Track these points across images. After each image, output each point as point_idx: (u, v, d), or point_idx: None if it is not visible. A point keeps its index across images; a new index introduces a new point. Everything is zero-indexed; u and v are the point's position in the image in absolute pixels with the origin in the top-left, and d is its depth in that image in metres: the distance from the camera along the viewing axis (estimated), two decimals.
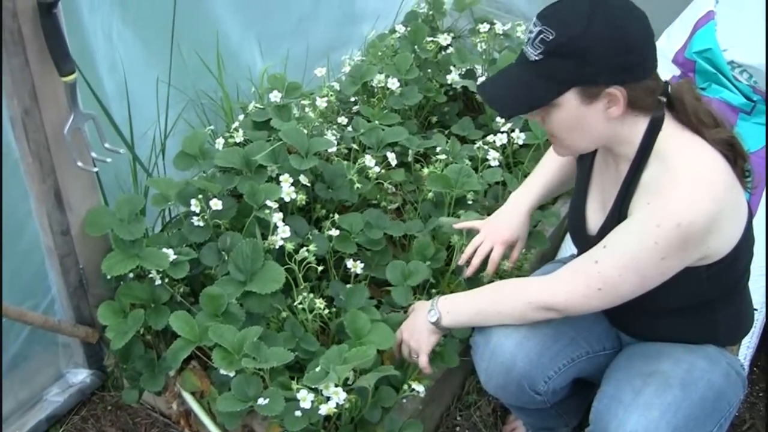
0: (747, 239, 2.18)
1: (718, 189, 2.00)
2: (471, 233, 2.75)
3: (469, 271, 2.69)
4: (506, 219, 2.70)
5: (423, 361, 2.45)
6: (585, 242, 2.34)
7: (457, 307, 2.38)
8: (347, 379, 2.36)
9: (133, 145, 2.90)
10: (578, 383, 2.52)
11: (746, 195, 2.16)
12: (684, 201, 1.98)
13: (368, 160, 2.99)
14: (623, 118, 2.08)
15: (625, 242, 2.08)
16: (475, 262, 2.66)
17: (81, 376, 2.90)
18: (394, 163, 3.07)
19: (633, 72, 2.02)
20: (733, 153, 2.10)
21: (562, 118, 2.10)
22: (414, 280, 2.72)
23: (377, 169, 3.00)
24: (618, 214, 2.17)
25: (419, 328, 2.44)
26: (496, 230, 2.69)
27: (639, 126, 2.11)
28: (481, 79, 3.60)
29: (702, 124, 2.09)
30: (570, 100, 2.05)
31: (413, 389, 2.53)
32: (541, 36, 2.02)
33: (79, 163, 2.38)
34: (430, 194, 3.06)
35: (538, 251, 3.10)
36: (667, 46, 3.29)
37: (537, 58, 2.04)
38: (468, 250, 2.69)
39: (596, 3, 2.00)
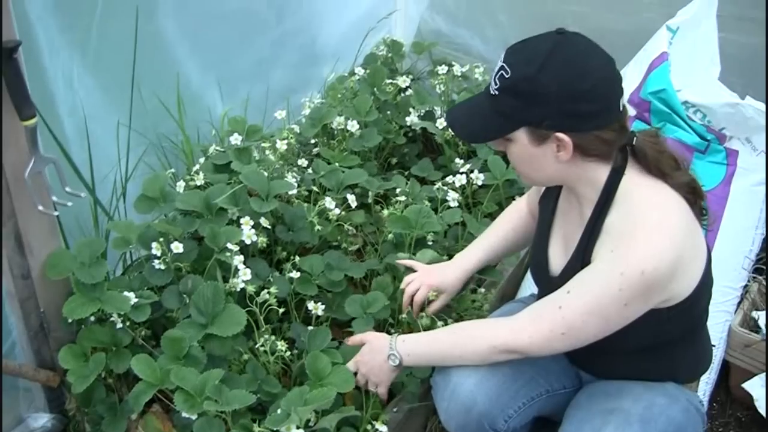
0: (707, 279, 2.21)
1: (680, 235, 2.03)
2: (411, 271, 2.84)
3: (404, 306, 2.77)
4: (443, 270, 2.77)
5: (382, 392, 2.49)
6: (547, 283, 2.36)
7: (417, 350, 2.39)
8: (309, 420, 2.35)
9: (93, 188, 2.90)
10: (539, 422, 2.53)
11: (704, 231, 2.19)
12: (647, 249, 2.00)
13: (328, 202, 3.00)
14: (576, 162, 2.11)
15: (589, 289, 2.10)
16: (405, 300, 2.74)
17: (42, 420, 2.87)
18: (354, 205, 3.10)
19: (584, 121, 2.04)
20: (694, 195, 2.14)
21: (516, 153, 2.16)
22: (373, 308, 2.74)
23: (337, 211, 3.01)
24: (581, 257, 2.19)
25: (378, 368, 2.45)
26: (428, 275, 2.76)
27: (599, 171, 2.14)
28: (440, 121, 3.63)
29: (661, 174, 2.13)
30: (521, 137, 2.10)
31: (376, 429, 2.53)
32: (501, 72, 2.06)
33: (40, 207, 2.38)
34: (390, 236, 3.07)
35: (498, 290, 3.11)
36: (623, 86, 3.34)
37: (495, 92, 2.09)
38: (402, 287, 2.78)
39: (558, 47, 2.02)
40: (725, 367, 3.20)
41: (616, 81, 2.07)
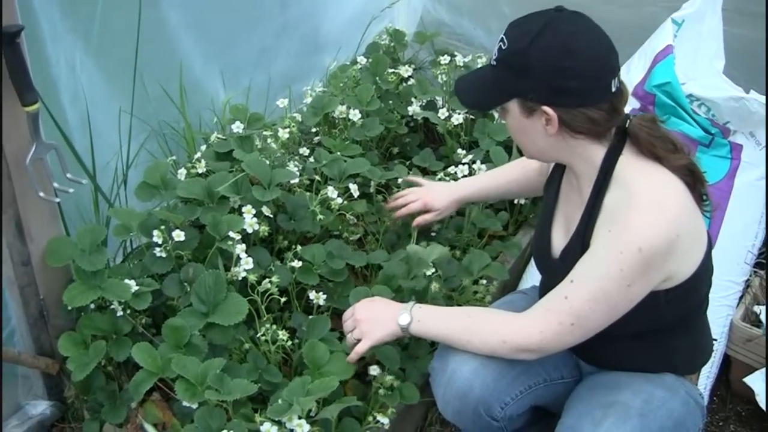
0: (706, 267, 2.22)
1: (676, 212, 2.05)
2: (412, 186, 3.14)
3: (388, 205, 3.11)
4: (442, 190, 3.04)
5: (362, 348, 2.44)
6: (548, 265, 2.39)
7: (429, 319, 2.39)
8: (310, 410, 2.35)
9: (95, 175, 2.89)
10: (539, 413, 2.54)
11: (706, 221, 2.20)
12: (643, 226, 2.02)
13: (330, 192, 2.99)
14: (564, 138, 2.16)
15: (591, 274, 2.11)
16: (399, 201, 3.07)
17: (41, 407, 2.87)
18: (356, 194, 3.09)
19: (566, 97, 2.09)
20: (693, 178, 2.15)
21: (511, 124, 2.24)
22: None
23: (340, 200, 3.00)
24: (581, 237, 2.21)
25: (381, 319, 2.44)
26: (428, 193, 3.03)
27: (592, 150, 2.18)
28: (442, 111, 3.62)
29: (657, 158, 2.14)
30: (514, 109, 2.18)
31: (377, 421, 2.53)
32: (500, 44, 2.15)
33: (41, 194, 2.37)
34: (396, 222, 3.08)
35: (500, 282, 3.11)
36: (627, 79, 3.32)
37: (493, 63, 2.19)
38: (400, 194, 3.09)
39: (550, 24, 2.08)
40: (726, 361, 3.20)
41: (606, 62, 2.10)
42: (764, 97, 3.07)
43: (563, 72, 2.05)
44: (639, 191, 2.07)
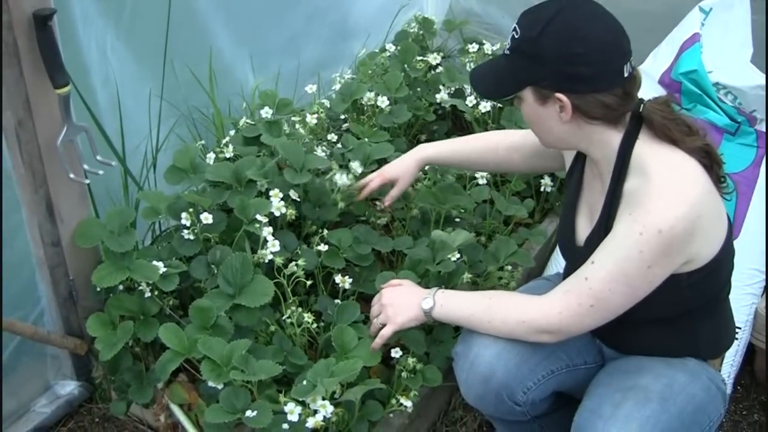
0: (728, 250, 2.22)
1: (695, 193, 2.05)
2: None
3: (358, 196, 3.01)
4: (397, 161, 2.97)
5: (387, 333, 2.48)
6: (573, 253, 2.39)
7: (452, 304, 2.41)
8: (334, 392, 2.37)
9: (124, 158, 2.91)
10: (561, 399, 2.54)
11: (731, 208, 2.19)
12: (662, 208, 2.02)
13: (338, 177, 2.98)
14: (579, 125, 2.17)
15: (611, 255, 2.11)
16: (360, 185, 2.99)
17: (69, 387, 2.91)
18: (359, 170, 3.05)
19: (578, 83, 2.09)
20: (709, 160, 2.15)
21: (526, 112, 2.25)
22: None
23: (347, 181, 2.99)
24: (605, 223, 2.21)
25: (406, 304, 2.47)
26: (385, 168, 2.98)
27: (608, 135, 2.18)
28: (470, 99, 3.63)
29: (672, 140, 2.14)
30: (528, 97, 2.19)
31: (401, 404, 2.55)
32: (513, 33, 2.16)
33: (71, 175, 2.40)
34: (416, 211, 3.10)
35: (524, 269, 3.11)
36: (654, 67, 3.33)
37: (507, 52, 2.20)
38: (362, 182, 3.00)
39: (561, 12, 2.09)
40: (751, 350, 3.19)
41: (617, 47, 2.11)
42: None
43: (575, 58, 2.06)
44: (657, 174, 2.08)
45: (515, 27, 2.15)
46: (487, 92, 2.38)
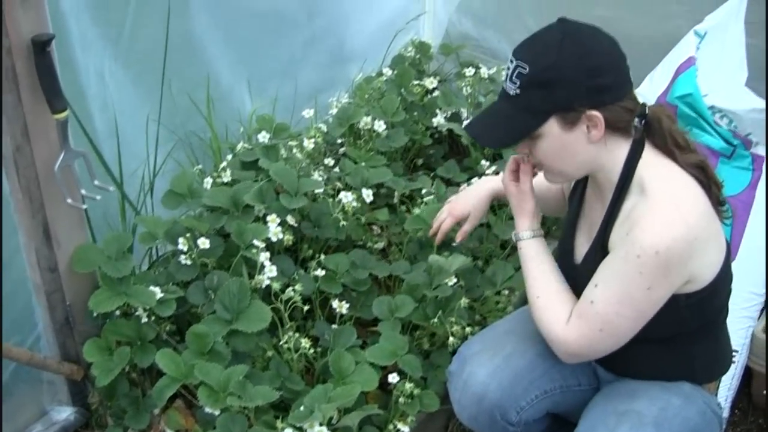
0: (726, 273, 2.22)
1: (692, 214, 2.05)
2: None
3: (430, 233, 2.89)
4: (465, 195, 2.86)
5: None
6: (570, 271, 2.36)
7: (533, 260, 2.38)
8: (332, 418, 2.36)
9: (122, 183, 2.92)
10: (556, 422, 2.54)
11: (727, 230, 2.19)
12: (659, 229, 2.02)
13: (344, 196, 3.00)
14: (605, 140, 2.14)
15: (613, 278, 2.11)
16: (434, 227, 2.87)
17: (65, 413, 2.89)
18: (369, 199, 3.08)
19: (607, 93, 2.08)
20: (706, 178, 2.14)
21: (547, 147, 2.16)
22: (401, 312, 2.75)
23: (355, 203, 3.01)
24: (601, 239, 2.21)
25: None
26: (454, 205, 2.85)
27: (621, 150, 2.17)
28: (466, 122, 3.64)
29: (677, 146, 2.15)
30: (552, 128, 2.11)
31: (398, 429, 2.54)
32: (518, 71, 2.10)
33: (69, 200, 2.40)
34: (419, 233, 3.09)
35: (521, 293, 3.10)
36: (650, 90, 3.33)
37: (516, 92, 2.11)
38: (434, 222, 2.89)
39: (566, 33, 2.08)
40: (748, 373, 3.18)
41: (620, 53, 2.13)
42: None
43: (596, 70, 2.06)
44: (655, 194, 2.08)
45: (518, 64, 2.10)
46: (499, 141, 2.30)
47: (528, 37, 2.15)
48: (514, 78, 2.11)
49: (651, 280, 2.04)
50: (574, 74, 2.06)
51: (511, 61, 2.12)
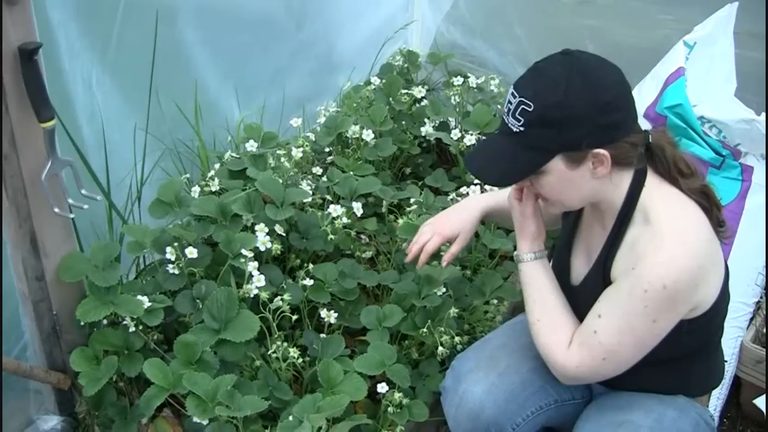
0: (725, 293, 2.21)
1: (698, 246, 2.03)
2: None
3: (408, 258, 2.70)
4: (451, 214, 2.73)
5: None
6: (567, 292, 2.34)
7: (535, 280, 2.34)
8: (320, 428, 2.35)
9: (109, 192, 2.91)
10: None
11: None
12: (666, 263, 1.99)
13: (333, 209, 2.98)
14: (612, 175, 2.09)
15: (617, 309, 2.09)
16: (414, 249, 2.67)
17: (52, 423, 2.88)
18: (359, 212, 3.09)
19: (615, 131, 2.03)
20: (708, 202, 2.13)
21: (550, 183, 2.11)
22: (389, 322, 2.75)
23: (345, 219, 2.99)
24: (603, 268, 2.18)
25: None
26: (440, 223, 2.70)
27: (624, 181, 2.13)
28: (454, 132, 3.63)
29: (680, 173, 2.12)
30: (557, 164, 2.06)
31: None
32: (521, 108, 2.02)
33: (56, 209, 2.39)
34: (405, 244, 3.06)
35: (510, 303, 3.11)
36: (639, 100, 3.33)
37: (519, 129, 2.04)
38: (414, 239, 2.71)
39: (571, 67, 2.01)
40: (736, 382, 3.19)
41: (627, 84, 2.07)
42: None
43: (606, 107, 1.99)
44: (661, 225, 2.05)
45: (521, 101, 2.02)
46: (502, 179, 2.19)
47: (530, 70, 2.09)
48: (517, 115, 2.04)
49: (656, 313, 2.03)
50: (585, 113, 1.99)
51: (513, 96, 2.05)
